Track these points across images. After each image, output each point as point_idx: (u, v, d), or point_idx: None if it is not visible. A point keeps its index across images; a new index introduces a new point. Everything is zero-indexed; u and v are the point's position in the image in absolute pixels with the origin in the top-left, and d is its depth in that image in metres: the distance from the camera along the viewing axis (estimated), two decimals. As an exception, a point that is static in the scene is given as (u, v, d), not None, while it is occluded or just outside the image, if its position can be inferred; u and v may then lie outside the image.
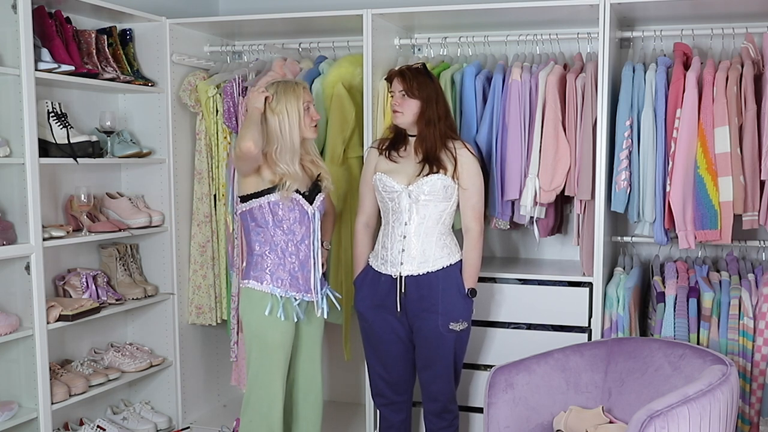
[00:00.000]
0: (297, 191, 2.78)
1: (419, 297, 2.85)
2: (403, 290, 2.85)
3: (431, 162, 2.81)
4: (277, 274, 2.80)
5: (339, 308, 3.03)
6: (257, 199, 2.76)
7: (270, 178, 2.76)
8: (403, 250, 2.86)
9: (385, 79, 2.97)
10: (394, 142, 2.93)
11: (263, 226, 2.79)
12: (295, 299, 2.82)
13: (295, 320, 2.85)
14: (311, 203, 2.83)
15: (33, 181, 2.85)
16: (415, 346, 2.94)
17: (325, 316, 2.94)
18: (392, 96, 2.87)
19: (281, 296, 2.79)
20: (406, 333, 2.93)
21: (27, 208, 2.85)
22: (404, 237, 2.86)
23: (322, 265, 2.93)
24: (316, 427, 3.03)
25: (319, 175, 2.89)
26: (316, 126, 2.83)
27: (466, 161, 2.85)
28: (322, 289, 2.89)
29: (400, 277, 2.85)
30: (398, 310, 2.87)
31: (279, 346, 2.81)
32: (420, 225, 2.84)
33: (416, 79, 2.82)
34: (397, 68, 2.92)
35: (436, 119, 2.82)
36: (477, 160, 2.89)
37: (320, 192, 2.88)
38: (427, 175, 2.81)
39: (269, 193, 2.75)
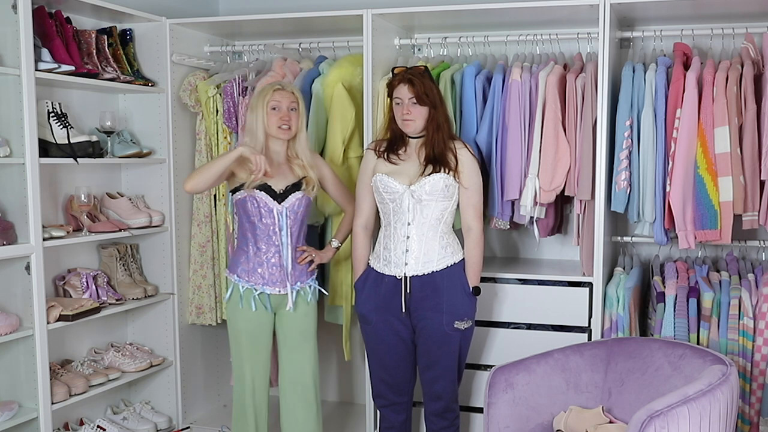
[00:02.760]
0: (263, 190, 2.87)
1: (423, 297, 2.85)
2: (408, 291, 2.86)
3: (436, 162, 2.81)
4: (243, 267, 2.94)
5: (326, 293, 3.26)
6: (233, 195, 2.94)
7: (241, 176, 2.89)
8: (407, 251, 2.85)
9: (387, 84, 2.90)
10: (391, 143, 2.92)
11: (240, 220, 2.95)
12: (256, 290, 2.92)
13: (271, 312, 2.96)
14: (282, 201, 2.89)
15: (33, 181, 2.85)
16: (418, 346, 2.93)
17: (312, 305, 3.05)
18: (397, 103, 2.83)
19: (243, 288, 2.92)
20: (408, 334, 2.93)
21: (27, 208, 2.85)
22: (407, 237, 2.85)
23: (311, 262, 3.02)
24: (308, 422, 3.03)
25: (304, 177, 2.94)
26: (288, 128, 2.88)
27: (466, 160, 2.85)
28: (295, 284, 2.97)
29: (405, 277, 2.85)
30: (402, 310, 2.87)
31: (242, 332, 2.97)
32: (422, 225, 2.84)
33: (424, 84, 2.79)
34: (397, 72, 2.86)
35: (443, 122, 2.83)
36: (476, 160, 2.89)
37: (298, 191, 2.92)
38: (429, 174, 2.81)
39: (238, 191, 2.89)
